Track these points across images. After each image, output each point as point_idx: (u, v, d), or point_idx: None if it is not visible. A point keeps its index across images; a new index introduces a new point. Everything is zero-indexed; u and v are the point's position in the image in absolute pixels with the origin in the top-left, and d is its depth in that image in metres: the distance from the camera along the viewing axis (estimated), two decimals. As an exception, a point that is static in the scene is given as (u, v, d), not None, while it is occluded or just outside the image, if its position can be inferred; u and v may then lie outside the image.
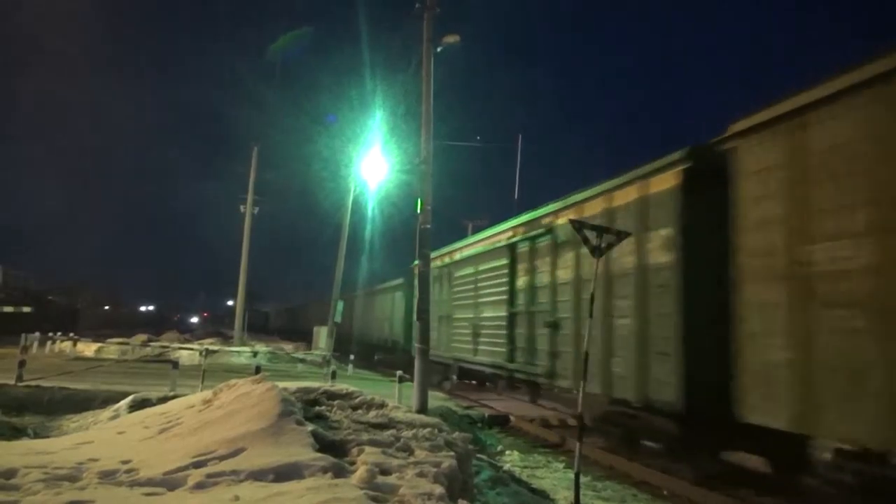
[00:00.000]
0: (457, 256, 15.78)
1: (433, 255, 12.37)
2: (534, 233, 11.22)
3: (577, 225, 6.79)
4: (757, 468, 7.78)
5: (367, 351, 27.25)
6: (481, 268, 13.76)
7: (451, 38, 11.20)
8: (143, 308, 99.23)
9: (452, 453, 5.45)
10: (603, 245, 6.58)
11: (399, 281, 23.22)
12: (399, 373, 12.05)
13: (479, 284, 13.78)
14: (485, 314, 13.41)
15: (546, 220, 10.83)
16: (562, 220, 9.89)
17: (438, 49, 11.20)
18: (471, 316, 14.23)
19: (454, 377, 16.41)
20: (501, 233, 13.00)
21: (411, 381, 10.57)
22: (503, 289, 12.33)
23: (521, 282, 11.71)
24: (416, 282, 11.47)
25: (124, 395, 9.39)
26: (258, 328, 66.33)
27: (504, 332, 12.19)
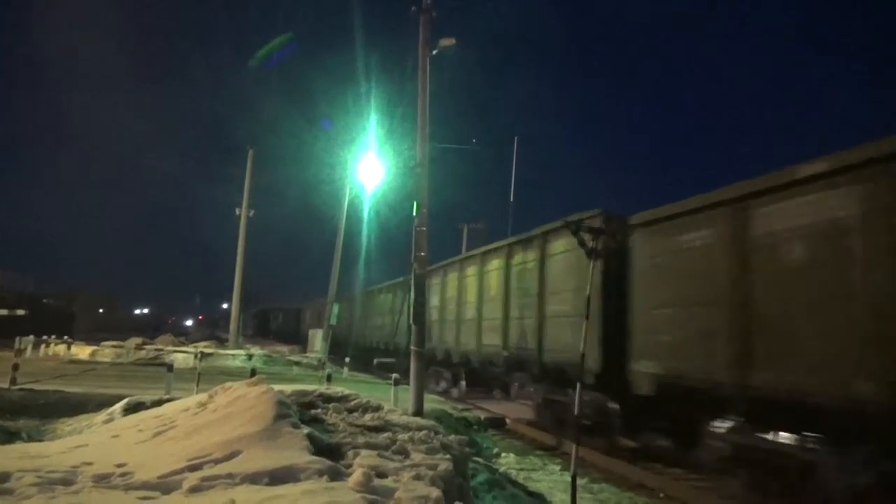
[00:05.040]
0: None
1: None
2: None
3: (574, 227, 6.80)
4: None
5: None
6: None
7: (448, 42, 11.21)
8: (137, 311, 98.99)
9: (449, 456, 5.44)
10: (599, 247, 6.60)
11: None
12: (395, 376, 12.04)
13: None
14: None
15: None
16: None
17: (434, 52, 11.22)
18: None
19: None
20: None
21: (408, 383, 10.57)
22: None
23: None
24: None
25: (119, 398, 9.32)
26: (284, 333, 53.77)
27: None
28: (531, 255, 11.52)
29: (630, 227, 8.74)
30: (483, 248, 14.25)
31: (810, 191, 5.93)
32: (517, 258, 12.17)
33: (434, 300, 16.39)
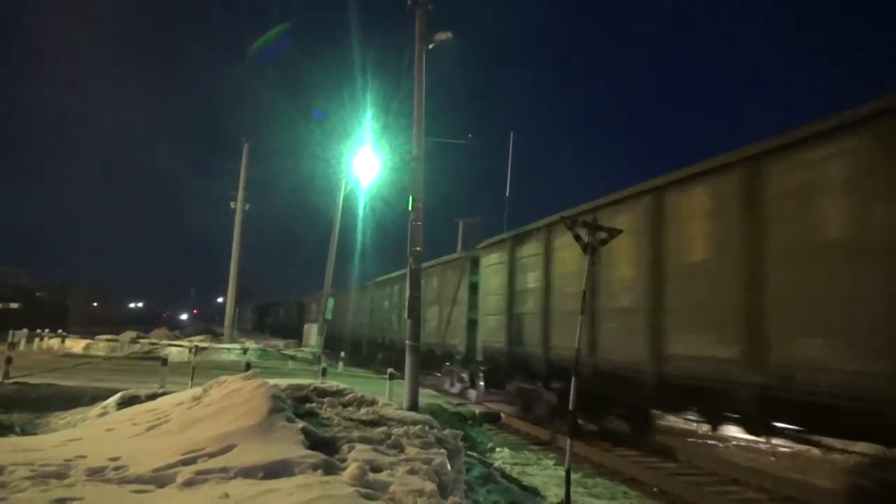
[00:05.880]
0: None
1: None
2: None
3: (570, 223, 6.78)
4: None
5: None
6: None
7: (444, 36, 11.17)
8: (132, 305, 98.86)
9: (443, 450, 5.45)
10: (594, 243, 6.59)
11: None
12: (390, 370, 12.05)
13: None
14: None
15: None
16: None
17: (430, 46, 11.18)
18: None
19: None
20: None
21: (402, 378, 10.58)
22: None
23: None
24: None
25: (113, 392, 9.30)
26: (284, 328, 47.39)
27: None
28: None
29: None
30: (662, 179, 7.92)
31: None
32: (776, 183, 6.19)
33: (529, 280, 11.54)
